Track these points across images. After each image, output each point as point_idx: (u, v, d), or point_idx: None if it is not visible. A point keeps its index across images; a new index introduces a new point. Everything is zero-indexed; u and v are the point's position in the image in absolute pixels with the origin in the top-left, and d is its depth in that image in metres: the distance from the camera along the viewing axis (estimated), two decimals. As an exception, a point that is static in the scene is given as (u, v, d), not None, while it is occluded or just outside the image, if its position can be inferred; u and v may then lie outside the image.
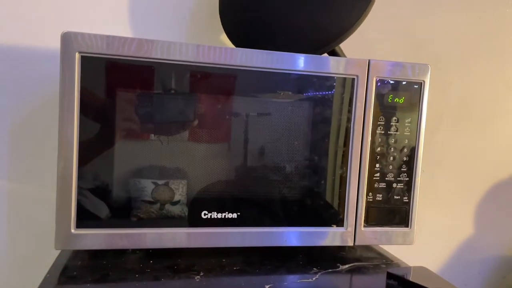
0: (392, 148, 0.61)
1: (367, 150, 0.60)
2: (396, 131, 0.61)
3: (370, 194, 0.61)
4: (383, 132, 0.61)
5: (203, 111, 0.56)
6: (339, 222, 0.61)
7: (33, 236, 0.78)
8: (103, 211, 0.54)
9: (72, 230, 0.53)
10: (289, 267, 0.59)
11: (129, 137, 0.54)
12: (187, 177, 0.57)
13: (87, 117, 0.52)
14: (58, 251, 0.60)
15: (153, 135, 0.55)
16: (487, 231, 1.05)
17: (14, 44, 0.74)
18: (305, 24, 0.64)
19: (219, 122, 0.57)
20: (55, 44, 0.72)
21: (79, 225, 0.53)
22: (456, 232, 1.04)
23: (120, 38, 0.52)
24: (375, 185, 0.61)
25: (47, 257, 0.62)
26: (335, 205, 0.61)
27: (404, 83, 0.61)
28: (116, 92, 0.53)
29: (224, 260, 0.60)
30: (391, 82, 0.61)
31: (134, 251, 0.60)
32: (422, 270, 0.56)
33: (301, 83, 0.58)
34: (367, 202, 0.61)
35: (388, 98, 0.61)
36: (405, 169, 0.62)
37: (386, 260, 0.64)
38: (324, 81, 0.59)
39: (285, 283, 0.54)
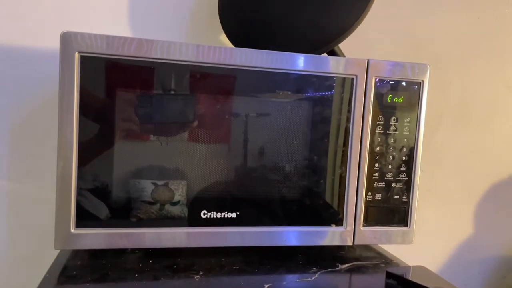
0: (391, 148, 0.61)
1: (366, 149, 0.60)
2: (395, 130, 0.61)
3: (370, 193, 0.61)
4: (382, 131, 0.61)
5: (203, 111, 0.56)
6: (339, 222, 0.61)
7: (33, 236, 0.78)
8: (103, 211, 0.54)
9: (72, 230, 0.53)
10: (289, 267, 0.59)
11: (128, 137, 0.54)
12: (187, 177, 0.57)
13: (86, 117, 0.52)
14: (58, 251, 0.60)
15: (152, 135, 0.55)
16: (487, 231, 1.05)
17: (14, 44, 0.75)
18: (304, 24, 0.64)
19: (219, 122, 0.57)
20: (55, 44, 0.72)
21: (78, 225, 0.53)
22: (455, 232, 1.04)
23: (120, 38, 0.52)
24: (374, 184, 0.61)
25: (47, 257, 0.62)
26: (335, 204, 0.61)
27: (403, 83, 0.61)
28: (116, 92, 0.53)
29: (223, 259, 0.60)
30: (390, 81, 0.61)
31: (133, 250, 0.60)
32: (421, 269, 0.56)
33: (300, 83, 0.58)
34: (366, 202, 0.61)
35: (387, 97, 0.61)
36: (404, 169, 0.62)
37: (385, 260, 0.64)
38: (323, 81, 0.59)
39: (285, 283, 0.54)
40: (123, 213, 0.55)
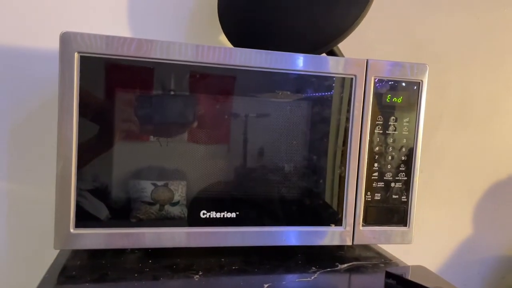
0: (390, 148, 0.62)
1: (366, 149, 0.61)
2: (395, 130, 0.61)
3: (369, 193, 0.61)
4: (381, 131, 0.61)
5: (203, 112, 0.56)
6: (338, 222, 0.61)
7: (32, 236, 0.78)
8: (103, 212, 0.54)
9: (71, 230, 0.53)
10: (288, 267, 0.59)
11: (128, 138, 0.54)
12: (187, 178, 0.57)
13: (86, 118, 0.52)
14: (58, 251, 0.60)
15: (152, 136, 0.55)
16: (487, 231, 1.05)
17: (14, 44, 0.75)
18: (304, 24, 0.64)
19: (218, 122, 0.57)
20: (55, 44, 0.72)
21: (78, 225, 0.53)
22: (455, 232, 1.04)
23: (119, 38, 0.52)
24: (374, 184, 0.61)
25: (47, 257, 0.62)
26: (334, 204, 0.61)
27: (402, 83, 0.61)
28: (116, 92, 0.53)
29: (223, 259, 0.60)
30: (390, 81, 0.61)
31: (133, 250, 0.60)
32: (421, 269, 0.56)
33: (299, 83, 0.59)
34: (366, 202, 0.61)
35: (387, 97, 0.61)
36: (403, 169, 0.62)
37: (384, 260, 0.64)
38: (322, 81, 0.59)
39: (284, 283, 0.54)
40: (123, 213, 0.55)
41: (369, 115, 0.60)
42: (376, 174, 0.61)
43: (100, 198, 0.54)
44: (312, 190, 0.60)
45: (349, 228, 0.61)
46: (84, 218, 0.53)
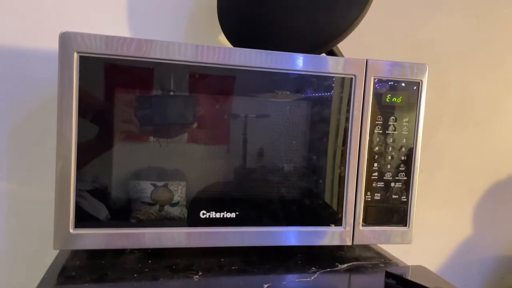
0: (390, 148, 0.62)
1: (365, 149, 0.61)
2: (394, 130, 0.61)
3: (369, 193, 0.61)
4: (381, 131, 0.61)
5: (202, 112, 0.56)
6: (338, 222, 0.61)
7: (32, 236, 0.78)
8: (102, 212, 0.54)
9: (71, 230, 0.53)
10: (288, 267, 0.59)
11: (128, 138, 0.54)
12: (186, 178, 0.57)
13: (85, 118, 0.52)
14: (58, 251, 0.60)
15: (152, 137, 0.55)
16: (486, 231, 1.05)
17: (14, 44, 0.75)
18: (303, 24, 0.64)
19: (218, 123, 0.57)
20: (55, 44, 0.72)
21: (77, 225, 0.53)
22: (455, 232, 1.04)
23: (119, 38, 0.52)
24: (373, 184, 0.61)
25: (46, 257, 0.62)
26: (334, 204, 0.61)
27: (402, 83, 0.61)
28: (115, 92, 0.53)
29: (222, 259, 0.60)
30: (389, 81, 0.61)
31: (132, 251, 0.60)
32: (420, 269, 0.56)
33: (299, 83, 0.59)
34: (366, 202, 0.61)
35: (386, 97, 0.61)
36: (403, 169, 0.62)
37: (384, 260, 0.64)
38: (322, 81, 0.59)
39: (284, 283, 0.54)
40: (123, 214, 0.55)
41: (368, 115, 0.60)
42: (376, 174, 0.61)
43: (99, 199, 0.54)
44: (312, 190, 0.60)
45: (349, 228, 0.61)
46: (83, 219, 0.53)
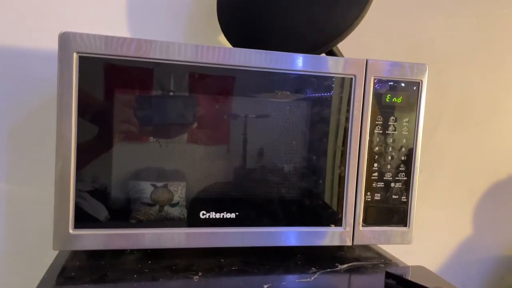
0: (390, 148, 0.61)
1: (365, 149, 0.60)
2: (394, 130, 0.61)
3: (369, 193, 0.61)
4: (381, 131, 0.61)
5: (202, 113, 0.56)
6: (338, 222, 0.61)
7: (32, 236, 0.78)
8: (102, 212, 0.54)
9: (70, 231, 0.53)
10: (288, 267, 0.59)
11: (127, 139, 0.54)
12: (186, 178, 0.57)
13: (85, 118, 0.52)
14: (57, 252, 0.60)
15: (152, 137, 0.55)
16: (486, 231, 1.05)
17: (14, 44, 0.74)
18: (303, 24, 0.64)
19: (218, 123, 0.57)
20: (55, 44, 0.72)
21: (77, 225, 0.53)
22: (455, 232, 1.04)
23: (118, 38, 0.52)
24: (373, 184, 0.61)
25: (46, 257, 0.62)
26: (334, 204, 0.61)
27: (402, 83, 0.61)
28: (115, 92, 0.53)
29: (222, 260, 0.60)
30: (389, 81, 0.61)
31: (132, 251, 0.60)
32: (420, 269, 0.56)
33: (299, 83, 0.58)
34: (366, 202, 0.61)
35: (386, 97, 0.61)
36: (403, 169, 0.62)
37: (384, 260, 0.64)
38: (322, 81, 0.59)
39: (284, 283, 0.54)
40: (122, 214, 0.55)
41: (368, 115, 0.60)
42: (376, 174, 0.61)
43: (99, 199, 0.54)
44: (312, 191, 0.60)
45: (349, 229, 0.61)
46: (83, 219, 0.53)
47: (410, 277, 0.52)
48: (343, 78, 0.59)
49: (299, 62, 0.58)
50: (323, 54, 0.67)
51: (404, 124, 0.62)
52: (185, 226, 0.56)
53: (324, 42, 0.64)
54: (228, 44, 0.75)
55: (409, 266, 0.59)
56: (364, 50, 0.89)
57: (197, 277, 0.53)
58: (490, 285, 1.07)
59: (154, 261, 0.57)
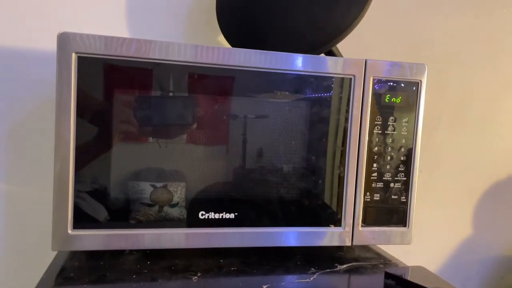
0: (389, 148, 0.61)
1: (365, 149, 0.60)
2: (394, 130, 0.61)
3: (368, 193, 0.61)
4: (380, 131, 0.61)
5: (202, 113, 0.56)
6: (337, 222, 0.61)
7: (32, 236, 0.78)
8: (101, 213, 0.54)
9: (69, 231, 0.52)
10: (287, 267, 0.59)
11: (127, 139, 0.54)
12: (186, 179, 0.56)
13: (84, 119, 0.52)
14: (57, 252, 0.60)
15: (151, 138, 0.55)
16: (486, 231, 1.05)
17: (14, 45, 0.74)
18: (303, 24, 0.64)
19: (217, 123, 0.57)
20: (55, 44, 0.72)
21: (76, 226, 0.53)
22: (454, 232, 1.04)
23: (118, 38, 0.52)
24: (373, 184, 0.61)
25: (46, 257, 0.62)
26: (333, 205, 0.61)
27: (401, 83, 0.61)
28: (114, 93, 0.53)
29: (221, 260, 0.60)
30: (388, 82, 0.61)
31: (131, 252, 0.60)
32: (420, 269, 0.56)
33: (298, 83, 0.58)
34: (365, 202, 0.61)
35: (385, 97, 0.61)
36: (402, 169, 0.62)
37: (384, 260, 0.64)
38: (321, 81, 0.59)
39: (283, 283, 0.53)
40: (122, 214, 0.55)
41: (368, 115, 0.60)
42: (375, 174, 0.61)
43: (98, 200, 0.54)
44: (311, 191, 0.60)
45: (348, 229, 0.61)
46: (82, 220, 0.53)
47: (409, 277, 0.52)
48: (342, 78, 0.59)
49: (299, 62, 0.58)
50: (323, 54, 0.67)
51: (403, 124, 0.62)
52: (185, 226, 0.56)
53: (323, 42, 0.64)
54: (227, 45, 0.75)
55: (408, 266, 0.59)
56: (364, 50, 0.89)
57: (196, 277, 0.53)
58: (490, 285, 1.07)
59: (153, 262, 0.57)
